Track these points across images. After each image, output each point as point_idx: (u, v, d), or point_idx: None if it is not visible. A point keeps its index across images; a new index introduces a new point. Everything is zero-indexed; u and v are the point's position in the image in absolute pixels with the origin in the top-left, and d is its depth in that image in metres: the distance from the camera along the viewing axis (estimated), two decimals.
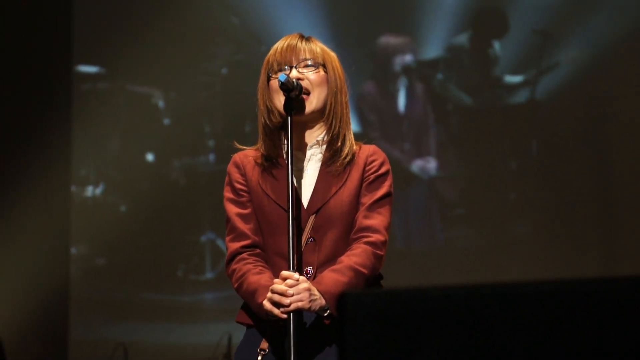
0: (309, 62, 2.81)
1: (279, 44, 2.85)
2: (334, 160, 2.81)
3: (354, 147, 2.84)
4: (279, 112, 2.80)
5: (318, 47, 2.85)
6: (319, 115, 2.83)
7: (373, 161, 2.83)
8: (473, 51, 6.09)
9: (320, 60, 2.82)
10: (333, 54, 2.88)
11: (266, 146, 2.84)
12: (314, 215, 2.77)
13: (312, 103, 2.79)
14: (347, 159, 2.81)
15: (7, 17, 6.15)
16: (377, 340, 1.46)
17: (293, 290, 2.58)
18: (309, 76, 2.79)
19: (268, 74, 2.83)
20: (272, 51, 2.85)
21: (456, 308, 1.48)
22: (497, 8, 6.05)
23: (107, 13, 6.39)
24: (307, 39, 2.86)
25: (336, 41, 3.03)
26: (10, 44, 6.15)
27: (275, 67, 2.81)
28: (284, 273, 2.62)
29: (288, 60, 2.80)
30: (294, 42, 2.83)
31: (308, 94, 2.78)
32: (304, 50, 2.82)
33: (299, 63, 2.80)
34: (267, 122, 2.83)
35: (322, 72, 2.81)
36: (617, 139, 5.86)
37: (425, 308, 1.48)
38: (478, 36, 6.06)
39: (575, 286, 1.52)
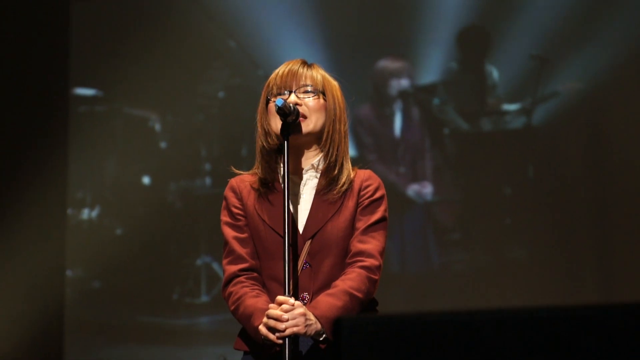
0: (309, 89, 2.81)
1: (281, 69, 2.86)
2: (331, 189, 2.81)
3: (351, 175, 2.85)
4: (276, 135, 2.80)
5: (319, 74, 2.85)
6: (316, 139, 2.84)
7: (368, 186, 2.83)
8: (465, 75, 6.10)
9: (320, 87, 2.82)
10: (335, 83, 2.89)
11: (263, 169, 2.85)
12: (310, 240, 2.77)
13: (309, 126, 2.79)
14: (344, 188, 2.81)
15: (4, 40, 6.17)
16: None
17: (288, 315, 2.57)
18: (308, 102, 2.80)
19: (267, 97, 2.84)
20: (273, 75, 2.86)
21: (452, 334, 1.48)
22: (476, 26, 6.07)
23: (105, 36, 6.41)
24: (310, 66, 2.87)
25: (333, 65, 3.03)
26: (8, 66, 6.16)
27: (275, 90, 2.82)
28: (280, 298, 2.61)
29: (288, 85, 2.81)
30: (295, 67, 2.84)
31: (305, 118, 2.79)
32: (305, 77, 2.82)
33: (298, 88, 2.81)
34: (264, 144, 2.84)
35: (321, 100, 2.82)
36: (613, 165, 5.86)
37: (420, 333, 1.48)
38: (465, 57, 6.08)
39: (571, 312, 1.52)
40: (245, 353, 2.82)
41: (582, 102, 5.90)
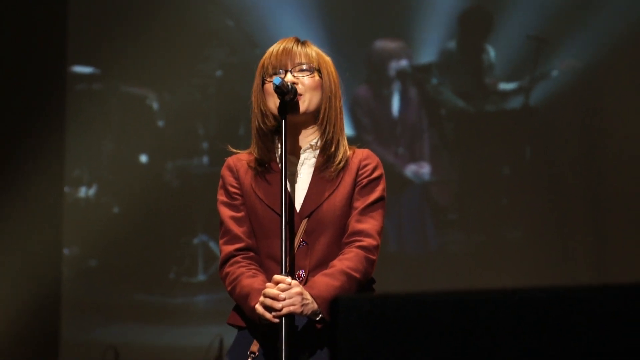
0: (304, 67, 2.80)
1: (275, 48, 2.84)
2: (328, 166, 2.81)
3: (348, 152, 2.84)
4: (273, 115, 2.79)
5: (314, 51, 2.84)
6: (313, 118, 2.83)
7: (366, 165, 2.83)
8: (464, 55, 6.10)
9: (315, 64, 2.81)
10: (328, 59, 2.88)
11: (259, 150, 2.84)
12: (307, 219, 2.77)
13: (305, 103, 2.78)
14: (341, 165, 2.81)
15: (2, 18, 6.14)
16: (369, 344, 1.47)
17: (285, 294, 2.58)
18: (304, 80, 2.79)
19: (263, 77, 2.83)
20: (267, 54, 2.85)
21: (448, 314, 1.49)
22: (480, 8, 6.06)
23: (102, 14, 6.38)
24: (303, 43, 2.85)
25: (331, 45, 3.02)
26: (5, 45, 6.14)
27: (270, 70, 2.80)
28: (277, 277, 2.62)
29: (283, 64, 2.80)
30: (289, 45, 2.83)
31: (301, 96, 2.78)
32: (300, 55, 2.81)
33: (294, 67, 2.79)
34: (261, 125, 2.83)
35: (317, 77, 2.81)
36: (610, 146, 5.86)
37: (417, 313, 1.49)
38: (465, 38, 6.07)
39: (566, 293, 1.52)
40: (240, 329, 2.82)
41: (580, 83, 5.90)
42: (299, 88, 2.77)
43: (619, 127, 5.85)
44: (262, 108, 2.82)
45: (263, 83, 2.82)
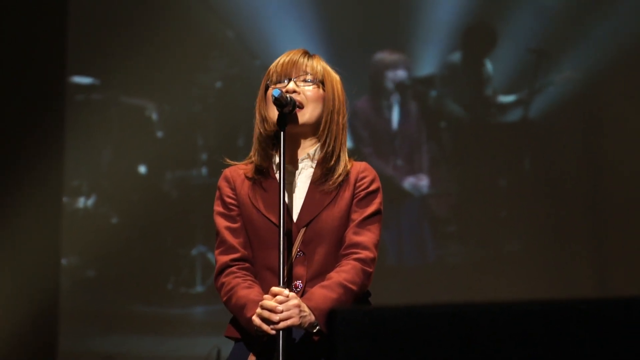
0: (308, 78, 2.82)
1: (282, 57, 2.87)
2: (327, 179, 2.81)
3: (348, 167, 2.84)
4: (272, 122, 2.80)
5: (320, 65, 2.86)
6: (312, 130, 2.84)
7: (364, 178, 2.83)
8: (465, 69, 6.10)
9: (319, 77, 2.83)
10: (336, 76, 2.89)
11: (259, 156, 2.85)
12: (304, 228, 2.76)
13: (305, 115, 2.79)
14: (340, 179, 2.81)
15: (1, 28, 6.15)
16: (366, 356, 1.46)
17: (283, 306, 2.57)
18: (306, 91, 2.80)
19: (267, 84, 2.84)
20: (274, 63, 2.87)
21: (446, 326, 1.48)
22: (485, 24, 6.07)
23: (102, 25, 6.39)
24: (311, 56, 2.87)
25: (332, 57, 3.02)
26: (4, 55, 6.14)
27: (275, 78, 2.83)
28: (274, 289, 2.61)
29: (288, 73, 2.82)
30: (296, 57, 2.85)
31: (302, 107, 2.79)
32: (305, 66, 2.83)
33: (297, 77, 2.81)
34: (261, 130, 2.84)
35: (320, 90, 2.82)
36: (609, 158, 5.87)
37: (414, 326, 1.48)
38: (468, 53, 6.07)
39: (565, 306, 1.52)
40: (237, 341, 2.82)
41: (579, 95, 5.91)
42: (300, 98, 2.78)
43: (618, 139, 5.85)
44: (262, 113, 2.83)
45: (267, 90, 2.84)
